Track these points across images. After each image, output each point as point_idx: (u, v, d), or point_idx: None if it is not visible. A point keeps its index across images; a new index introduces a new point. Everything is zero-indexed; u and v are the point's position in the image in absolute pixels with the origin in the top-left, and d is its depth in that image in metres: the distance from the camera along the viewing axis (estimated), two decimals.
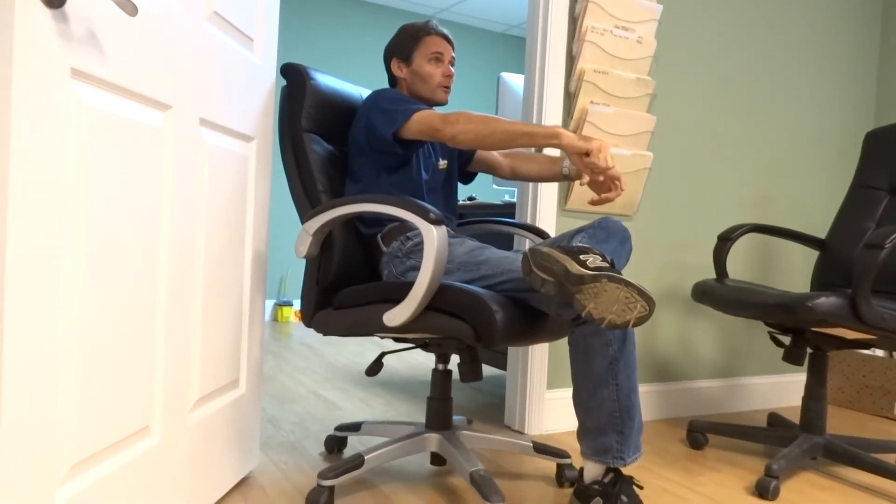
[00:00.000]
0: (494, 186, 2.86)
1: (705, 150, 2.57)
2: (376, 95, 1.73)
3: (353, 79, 5.28)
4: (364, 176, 1.75)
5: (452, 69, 1.83)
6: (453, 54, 1.84)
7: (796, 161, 2.81)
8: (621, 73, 2.26)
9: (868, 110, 3.01)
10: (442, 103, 1.83)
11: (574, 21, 2.22)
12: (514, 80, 2.82)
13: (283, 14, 5.01)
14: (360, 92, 1.95)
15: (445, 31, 1.83)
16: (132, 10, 0.97)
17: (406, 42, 1.81)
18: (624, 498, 1.41)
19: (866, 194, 2.22)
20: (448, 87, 1.82)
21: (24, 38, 0.85)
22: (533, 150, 2.10)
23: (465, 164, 1.99)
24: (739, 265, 2.68)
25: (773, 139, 2.74)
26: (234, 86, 1.47)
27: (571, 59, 2.23)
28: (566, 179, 1.89)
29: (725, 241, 2.19)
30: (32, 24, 0.86)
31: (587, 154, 1.48)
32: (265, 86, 1.64)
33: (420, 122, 1.64)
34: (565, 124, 2.23)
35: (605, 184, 1.59)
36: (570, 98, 2.24)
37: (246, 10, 1.51)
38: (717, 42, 2.57)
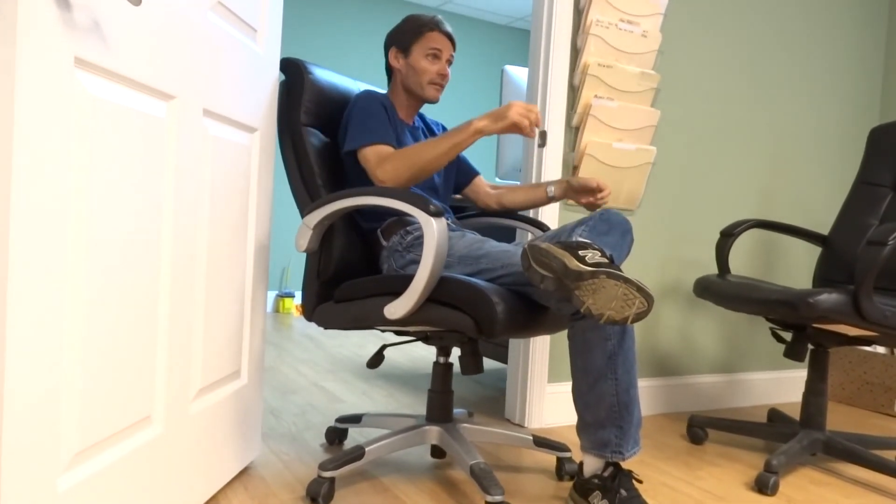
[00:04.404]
0: (497, 180, 2.86)
1: (709, 145, 2.57)
2: (354, 101, 1.74)
3: (353, 72, 5.26)
4: (357, 174, 1.74)
5: (449, 69, 1.83)
6: (453, 53, 1.83)
7: (800, 157, 2.80)
8: (626, 66, 2.25)
9: (873, 106, 3.00)
10: (432, 101, 1.82)
11: (579, 14, 2.22)
12: (518, 74, 2.81)
13: (284, 6, 4.99)
14: (359, 86, 1.95)
15: (450, 29, 1.81)
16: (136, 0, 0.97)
17: (407, 34, 1.80)
18: (623, 492, 1.41)
19: (870, 191, 2.21)
20: (441, 86, 1.81)
21: (27, 26, 0.85)
22: (519, 182, 2.12)
23: (457, 189, 2.02)
24: (742, 261, 2.68)
25: (777, 134, 2.73)
26: (238, 76, 1.47)
27: (576, 53, 2.22)
28: (552, 201, 1.89)
29: (728, 237, 2.19)
30: (36, 13, 0.86)
31: (512, 127, 1.54)
32: (268, 76, 1.63)
33: (366, 158, 1.65)
34: (569, 118, 2.23)
35: (592, 194, 1.78)
36: (573, 92, 2.23)
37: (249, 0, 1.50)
38: (721, 37, 2.55)
